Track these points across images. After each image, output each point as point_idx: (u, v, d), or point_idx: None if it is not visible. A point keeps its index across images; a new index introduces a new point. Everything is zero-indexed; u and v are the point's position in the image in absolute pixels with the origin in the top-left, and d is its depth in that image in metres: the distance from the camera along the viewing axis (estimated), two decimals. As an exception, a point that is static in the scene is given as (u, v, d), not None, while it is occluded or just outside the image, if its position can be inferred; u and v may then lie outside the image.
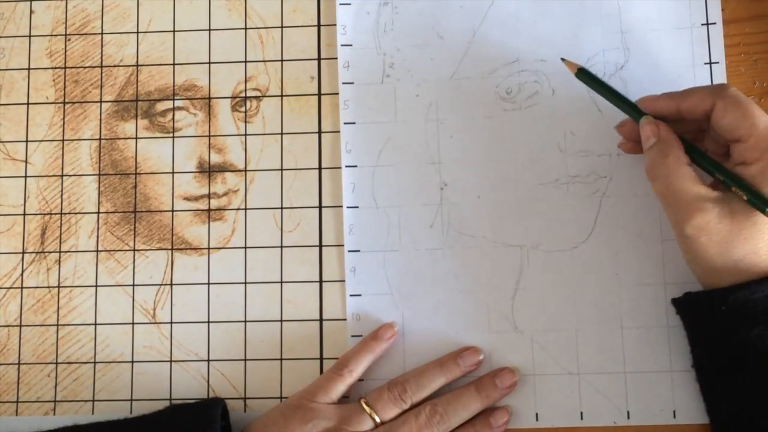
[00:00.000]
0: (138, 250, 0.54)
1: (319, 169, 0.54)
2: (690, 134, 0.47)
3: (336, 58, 0.54)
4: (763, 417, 0.42)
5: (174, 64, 0.55)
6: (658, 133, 0.45)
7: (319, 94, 0.54)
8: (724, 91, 0.43)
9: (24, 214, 0.55)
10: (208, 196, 0.54)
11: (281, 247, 0.53)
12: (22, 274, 0.54)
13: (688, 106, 0.44)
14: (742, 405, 0.43)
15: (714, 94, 0.43)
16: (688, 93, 0.45)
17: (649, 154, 0.45)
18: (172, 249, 0.54)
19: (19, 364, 0.53)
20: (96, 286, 0.54)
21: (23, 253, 0.54)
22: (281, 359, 0.52)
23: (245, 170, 0.54)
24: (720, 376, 0.44)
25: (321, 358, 0.52)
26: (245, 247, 0.53)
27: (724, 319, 0.43)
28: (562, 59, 0.50)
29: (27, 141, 0.55)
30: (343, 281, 0.52)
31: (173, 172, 0.54)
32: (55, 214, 0.55)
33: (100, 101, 0.55)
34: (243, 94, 0.55)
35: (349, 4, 0.54)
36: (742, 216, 0.41)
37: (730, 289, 0.42)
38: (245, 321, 0.53)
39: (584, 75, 0.49)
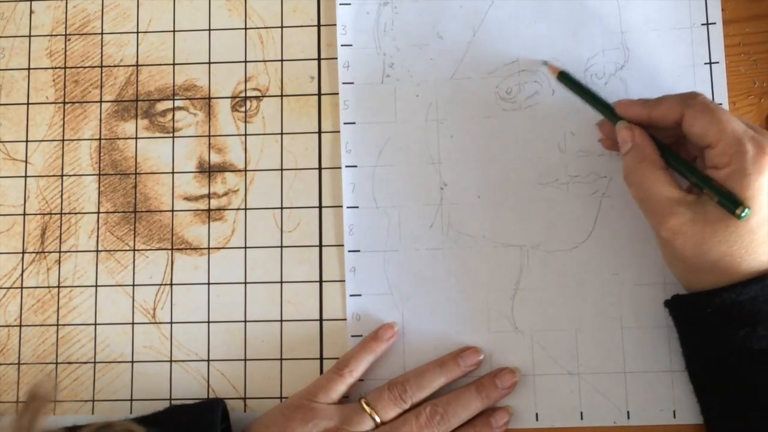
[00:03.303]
0: (138, 250, 0.54)
1: (319, 169, 0.54)
2: (671, 138, 0.47)
3: (336, 58, 0.54)
4: (751, 417, 0.42)
5: (174, 64, 0.55)
6: (633, 137, 0.45)
7: (319, 94, 0.54)
8: (692, 99, 0.44)
9: (24, 214, 0.55)
10: (208, 196, 0.54)
11: (281, 247, 0.53)
12: (22, 274, 0.54)
13: (658, 114, 0.45)
14: (730, 405, 0.43)
15: (683, 103, 0.44)
16: (659, 101, 0.45)
17: (625, 159, 0.46)
18: (172, 249, 0.54)
19: (19, 364, 0.53)
20: (96, 286, 0.54)
21: (23, 253, 0.54)
22: (281, 359, 0.52)
23: (245, 170, 0.54)
24: (709, 376, 0.45)
25: (321, 358, 0.52)
26: (245, 247, 0.53)
27: (711, 321, 0.43)
28: (544, 62, 0.51)
29: (27, 141, 0.55)
30: (343, 281, 0.52)
31: (173, 172, 0.54)
32: (55, 214, 0.55)
33: (100, 101, 0.55)
34: (243, 94, 0.55)
35: (349, 4, 0.54)
36: (716, 219, 0.42)
37: (716, 292, 0.42)
38: (245, 321, 0.53)
39: (565, 78, 0.50)
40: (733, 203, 0.41)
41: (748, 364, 0.42)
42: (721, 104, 0.50)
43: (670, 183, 0.44)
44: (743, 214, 0.41)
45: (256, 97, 0.55)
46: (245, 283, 0.53)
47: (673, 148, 0.46)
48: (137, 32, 0.56)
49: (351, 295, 0.52)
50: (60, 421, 0.52)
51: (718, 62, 0.51)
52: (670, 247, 0.43)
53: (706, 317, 0.43)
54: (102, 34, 0.56)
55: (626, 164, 0.46)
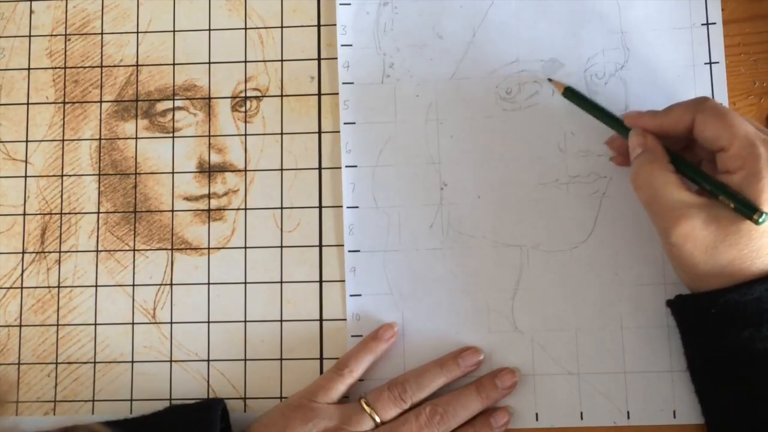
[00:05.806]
0: (138, 250, 0.54)
1: (319, 169, 0.54)
2: (680, 144, 0.47)
3: (336, 58, 0.54)
4: (754, 418, 0.42)
5: (174, 64, 0.55)
6: (644, 143, 0.45)
7: (319, 94, 0.54)
8: (702, 104, 0.44)
9: (24, 214, 0.55)
10: (208, 196, 0.54)
11: (281, 247, 0.53)
12: (22, 274, 0.54)
13: (669, 123, 0.45)
14: (733, 406, 0.43)
15: (693, 108, 0.44)
16: (669, 110, 0.45)
17: (635, 163, 0.45)
18: (172, 249, 0.54)
19: (19, 364, 0.53)
20: (96, 286, 0.54)
21: (23, 253, 0.54)
22: (281, 359, 0.52)
23: (245, 170, 0.54)
24: (711, 377, 0.45)
25: (321, 358, 0.52)
26: (245, 247, 0.53)
27: (715, 322, 0.43)
28: (549, 79, 0.51)
29: (27, 141, 0.55)
30: (343, 281, 0.52)
31: (173, 172, 0.54)
32: (55, 214, 0.55)
33: (100, 101, 0.55)
34: (243, 94, 0.55)
35: (349, 4, 0.54)
36: (727, 222, 0.41)
37: (720, 292, 0.42)
38: (245, 321, 0.53)
39: (571, 93, 0.50)
40: (750, 209, 0.41)
41: (751, 364, 0.42)
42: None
43: (681, 185, 0.43)
44: (761, 220, 0.40)
45: (256, 97, 0.55)
46: (245, 283, 0.53)
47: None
48: (137, 32, 0.56)
49: (351, 295, 0.52)
50: (60, 421, 0.52)
51: (718, 62, 0.51)
52: (680, 251, 0.43)
53: (710, 318, 0.43)
54: (102, 34, 0.56)
55: (635, 167, 0.45)
